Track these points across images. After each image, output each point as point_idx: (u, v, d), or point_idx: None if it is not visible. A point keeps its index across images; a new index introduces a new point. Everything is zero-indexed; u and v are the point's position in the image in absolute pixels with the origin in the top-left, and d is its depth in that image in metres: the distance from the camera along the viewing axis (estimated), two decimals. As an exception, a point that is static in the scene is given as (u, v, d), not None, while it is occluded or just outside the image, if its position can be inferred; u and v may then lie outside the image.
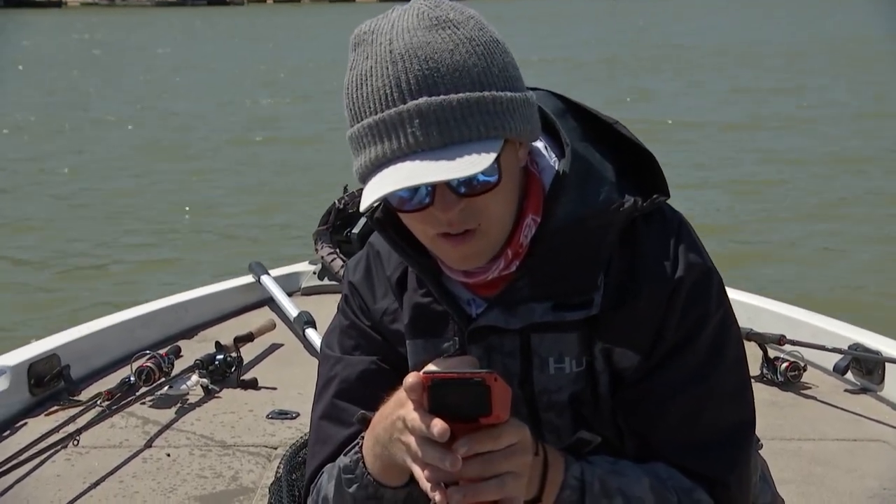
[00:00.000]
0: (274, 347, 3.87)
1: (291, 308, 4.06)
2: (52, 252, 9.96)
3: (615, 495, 1.52)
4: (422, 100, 1.39)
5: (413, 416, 1.33)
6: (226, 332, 3.84)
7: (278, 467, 2.76)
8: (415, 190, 1.43)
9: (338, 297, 4.63)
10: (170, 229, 10.93)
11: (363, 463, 1.54)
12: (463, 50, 1.41)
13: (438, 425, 1.28)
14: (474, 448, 1.32)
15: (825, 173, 12.93)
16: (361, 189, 4.52)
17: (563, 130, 1.58)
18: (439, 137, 1.39)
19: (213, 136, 17.38)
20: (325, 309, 4.06)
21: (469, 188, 1.44)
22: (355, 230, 4.60)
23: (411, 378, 1.31)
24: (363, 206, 1.43)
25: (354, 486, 1.56)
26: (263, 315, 4.11)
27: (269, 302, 4.30)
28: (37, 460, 2.87)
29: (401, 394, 1.38)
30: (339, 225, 4.67)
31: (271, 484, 2.68)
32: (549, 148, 1.60)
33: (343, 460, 1.59)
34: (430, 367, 1.43)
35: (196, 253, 9.56)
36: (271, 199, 12.25)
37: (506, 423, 1.35)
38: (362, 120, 1.43)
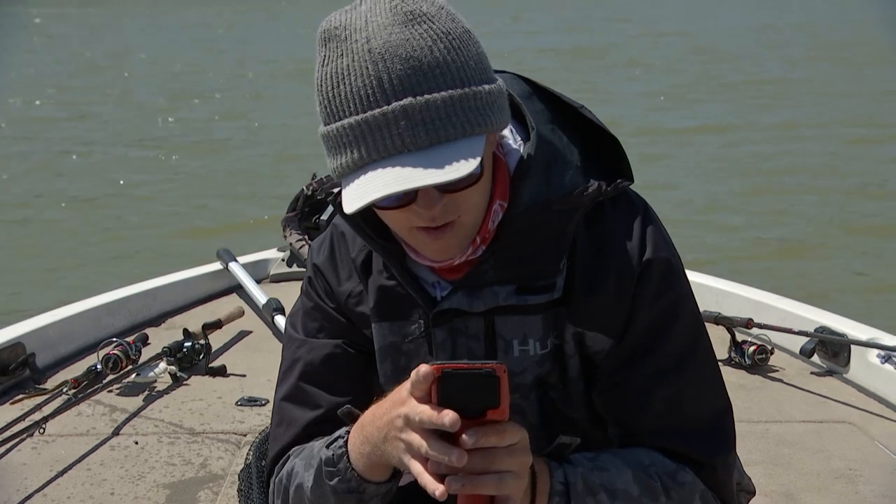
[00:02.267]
0: (243, 334, 3.86)
1: (260, 295, 4.04)
2: (15, 239, 9.89)
3: (598, 491, 1.52)
4: (406, 100, 1.37)
5: (419, 410, 1.32)
6: (194, 320, 3.83)
7: (248, 454, 2.74)
8: (404, 194, 1.43)
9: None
10: (135, 217, 10.87)
11: (347, 458, 1.51)
12: (441, 46, 1.40)
13: (449, 415, 1.27)
14: (480, 442, 1.31)
15: (792, 151, 13.04)
16: (328, 176, 4.51)
17: (530, 114, 1.58)
18: (426, 138, 1.38)
19: (178, 124, 17.27)
20: (294, 295, 3.95)
21: (453, 185, 1.43)
22: (324, 216, 4.60)
23: (423, 368, 1.30)
24: (349, 209, 1.40)
25: (336, 479, 1.54)
26: (232, 302, 4.09)
27: (238, 289, 4.28)
28: (1, 449, 2.86)
29: (400, 393, 1.37)
30: (307, 212, 4.66)
31: (241, 471, 2.66)
32: (514, 131, 1.59)
33: (325, 453, 1.56)
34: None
35: (163, 240, 9.50)
36: (238, 187, 12.15)
37: (509, 422, 1.35)
38: (341, 119, 1.41)
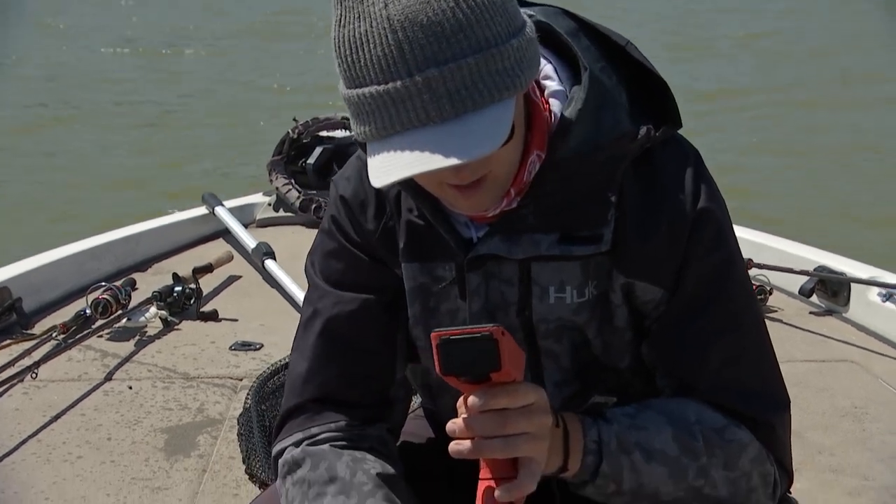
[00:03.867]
0: (232, 279, 3.81)
1: (249, 240, 3.99)
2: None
3: (633, 451, 1.49)
4: (429, 71, 1.31)
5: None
6: (181, 265, 3.78)
7: (246, 398, 2.72)
8: None
9: (294, 228, 4.64)
10: (118, 160, 10.78)
11: None
12: (464, 5, 1.32)
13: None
14: (489, 404, 1.30)
15: (787, 101, 13.07)
16: (314, 119, 4.47)
17: (580, 53, 1.51)
18: (451, 109, 1.33)
19: (162, 67, 17.15)
20: (282, 240, 4.03)
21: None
22: (311, 160, 4.54)
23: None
24: (376, 184, 1.36)
25: None
26: (219, 247, 4.04)
27: (225, 234, 4.23)
28: None
29: None
30: (293, 155, 4.61)
31: (240, 415, 2.64)
32: (557, 70, 1.53)
33: None
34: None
35: (146, 185, 9.42)
36: (221, 130, 12.08)
37: (521, 383, 1.34)
38: (362, 87, 1.34)
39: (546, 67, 1.51)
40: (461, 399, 1.37)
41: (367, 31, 1.32)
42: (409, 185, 1.54)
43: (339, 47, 1.36)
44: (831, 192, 9.11)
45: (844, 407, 2.79)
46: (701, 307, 1.55)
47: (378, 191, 1.65)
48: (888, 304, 3.34)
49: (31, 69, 17.85)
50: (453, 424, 1.36)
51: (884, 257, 3.90)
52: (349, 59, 1.36)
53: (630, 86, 1.55)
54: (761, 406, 1.56)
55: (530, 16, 1.44)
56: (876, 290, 3.39)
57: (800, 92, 13.75)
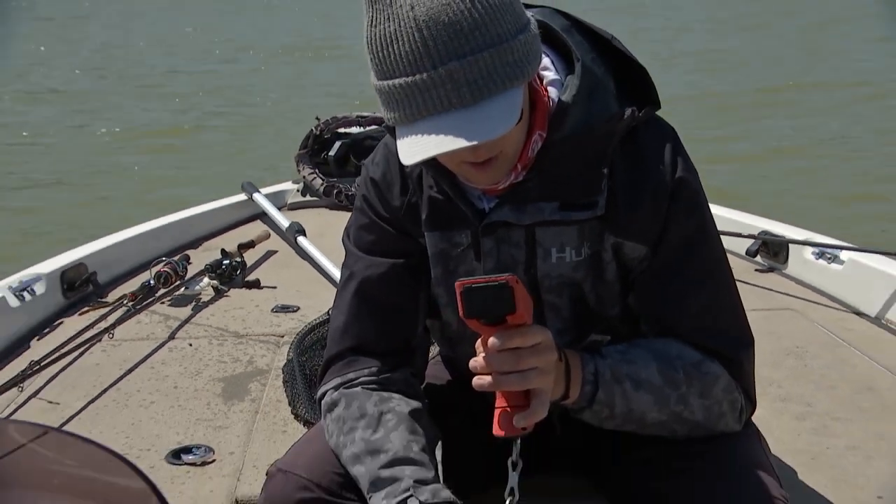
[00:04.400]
0: (270, 254, 3.78)
1: (283, 220, 3.97)
2: (67, 174, 9.81)
3: (624, 381, 1.49)
4: (451, 64, 1.30)
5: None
6: (227, 242, 3.74)
7: (288, 352, 2.72)
8: None
9: (320, 210, 4.62)
10: (163, 156, 10.78)
11: None
12: (479, 6, 1.30)
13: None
14: (506, 344, 1.32)
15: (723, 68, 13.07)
16: (333, 118, 4.47)
17: (574, 47, 1.50)
18: (471, 97, 1.31)
19: (202, 81, 17.06)
20: (310, 220, 4.02)
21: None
22: (331, 153, 4.54)
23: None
24: (406, 162, 1.36)
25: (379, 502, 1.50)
26: (258, 227, 4.02)
27: (262, 216, 4.21)
28: (77, 352, 2.79)
29: None
30: (316, 149, 4.60)
31: (284, 365, 2.64)
32: (554, 62, 1.51)
33: (382, 501, 1.49)
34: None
35: (189, 174, 9.41)
36: (254, 128, 12.03)
37: (532, 325, 1.35)
38: (392, 79, 1.33)
39: (544, 59, 1.49)
40: (480, 341, 1.37)
41: (395, 30, 1.30)
42: (431, 164, 1.53)
43: (371, 44, 1.34)
44: (772, 168, 9.13)
45: (788, 347, 2.78)
46: (680, 262, 1.56)
47: (402, 172, 1.64)
48: (820, 260, 3.34)
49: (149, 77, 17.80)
50: (475, 362, 1.37)
51: (816, 222, 3.88)
52: (381, 55, 1.33)
53: (616, 74, 1.55)
54: (731, 345, 1.57)
55: (531, 15, 1.42)
56: (810, 249, 3.39)
57: (749, 77, 13.73)
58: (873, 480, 2.04)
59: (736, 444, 1.56)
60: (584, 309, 1.60)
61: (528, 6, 1.47)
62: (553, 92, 1.49)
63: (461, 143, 1.30)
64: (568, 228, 1.55)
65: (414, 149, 1.34)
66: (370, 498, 1.50)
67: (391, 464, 1.50)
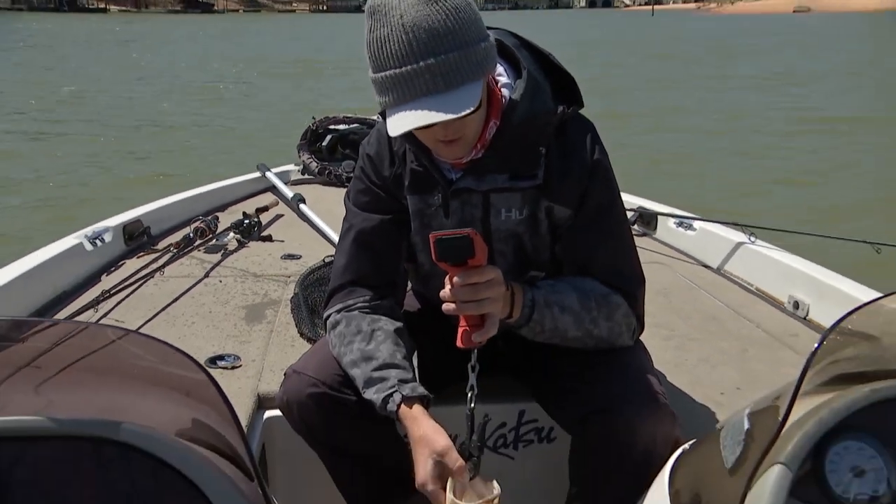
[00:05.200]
0: (278, 216, 3.73)
1: (288, 192, 3.92)
2: (124, 157, 9.70)
3: (553, 306, 1.51)
4: (430, 60, 1.30)
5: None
6: (246, 207, 3.69)
7: (294, 288, 2.70)
8: None
9: (315, 185, 4.57)
10: (200, 143, 10.67)
11: (396, 414, 1.46)
12: (452, 18, 1.31)
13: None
14: (466, 280, 1.35)
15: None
16: (325, 117, 4.40)
17: (522, 59, 1.51)
18: (444, 85, 1.32)
19: (231, 89, 16.78)
20: (309, 192, 3.99)
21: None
22: (324, 143, 4.50)
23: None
24: (393, 133, 1.36)
25: (372, 396, 1.50)
26: (269, 196, 3.95)
27: (272, 189, 4.14)
28: (135, 286, 2.75)
29: (435, 446, 1.39)
30: (312, 140, 4.53)
31: (291, 298, 2.62)
32: (506, 70, 1.52)
33: (375, 396, 1.49)
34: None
35: (219, 156, 9.39)
36: (267, 124, 11.95)
37: (486, 266, 1.36)
38: (385, 71, 1.33)
39: (499, 67, 1.50)
40: (447, 278, 1.38)
41: (388, 33, 1.31)
42: (412, 142, 1.54)
43: (370, 45, 1.34)
44: (645, 153, 9.20)
45: (658, 289, 2.81)
46: (594, 222, 1.58)
47: (391, 150, 1.64)
48: (679, 228, 3.38)
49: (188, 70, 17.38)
50: (444, 294, 1.38)
51: (678, 199, 3.93)
52: (376, 53, 1.34)
53: (552, 81, 1.55)
54: (630, 283, 1.60)
55: (489, 33, 1.43)
56: (672, 220, 3.43)
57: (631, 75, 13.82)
58: (717, 382, 2.09)
59: (629, 355, 1.59)
60: (523, 255, 1.61)
61: (489, 28, 1.48)
62: (505, 91, 1.50)
63: (434, 117, 1.31)
64: (514, 195, 1.55)
65: (400, 123, 1.34)
66: (364, 393, 1.50)
67: (380, 368, 1.50)
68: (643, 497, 1.39)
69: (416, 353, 1.63)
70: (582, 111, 1.58)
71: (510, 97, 1.48)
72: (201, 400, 0.99)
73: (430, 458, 1.37)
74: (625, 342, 1.60)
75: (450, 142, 1.43)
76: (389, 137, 1.61)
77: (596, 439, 1.48)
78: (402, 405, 1.44)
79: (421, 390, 1.47)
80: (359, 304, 1.61)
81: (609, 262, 1.57)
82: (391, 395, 1.46)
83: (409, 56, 1.30)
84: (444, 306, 1.38)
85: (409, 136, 1.50)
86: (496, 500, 1.32)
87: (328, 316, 1.65)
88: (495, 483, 1.36)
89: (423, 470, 1.38)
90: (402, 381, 1.47)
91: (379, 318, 1.59)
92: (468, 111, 1.32)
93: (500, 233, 1.58)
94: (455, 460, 1.34)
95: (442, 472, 1.37)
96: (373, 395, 1.48)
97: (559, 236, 1.59)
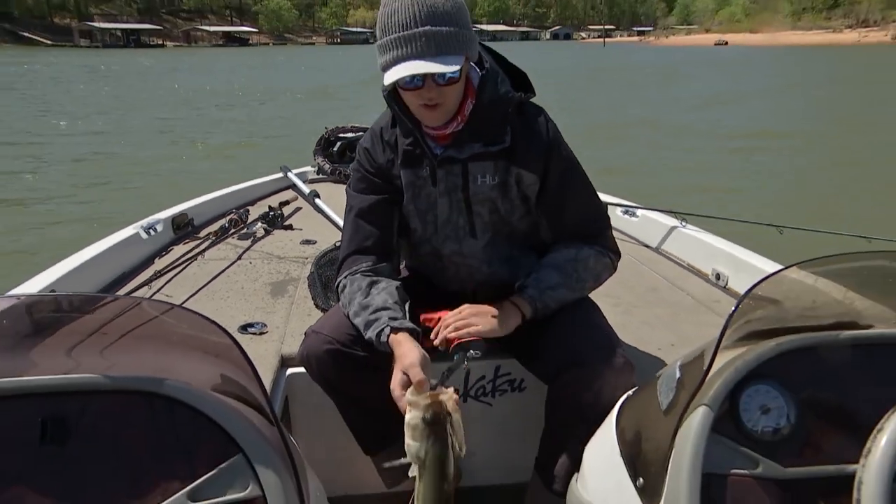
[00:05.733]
0: (297, 209, 3.69)
1: (305, 189, 3.89)
2: (174, 161, 9.60)
3: (545, 290, 1.54)
4: (426, 27, 1.34)
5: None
6: (271, 201, 3.66)
7: (311, 267, 2.66)
8: (417, 78, 1.40)
9: (328, 184, 4.53)
10: (226, 148, 10.53)
11: (386, 342, 1.45)
12: (450, 4, 1.37)
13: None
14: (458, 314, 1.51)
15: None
16: (336, 127, 4.33)
17: (486, 56, 1.55)
18: (435, 50, 1.35)
19: (247, 114, 16.63)
20: (322, 189, 3.95)
21: (444, 81, 1.41)
22: (335, 149, 4.46)
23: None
24: (387, 81, 1.38)
25: (369, 336, 1.49)
26: (290, 193, 3.92)
27: (293, 186, 4.10)
28: (182, 266, 2.73)
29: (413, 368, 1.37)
30: (325, 146, 4.50)
31: (308, 276, 2.59)
32: (474, 67, 1.55)
33: (370, 333, 1.48)
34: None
35: (249, 161, 9.30)
36: (287, 136, 11.79)
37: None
38: (390, 34, 1.36)
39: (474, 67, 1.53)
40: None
41: (398, 7, 1.35)
42: (407, 118, 1.53)
43: (381, 17, 1.38)
44: (596, 155, 9.20)
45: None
46: (561, 186, 1.57)
47: (383, 141, 1.64)
48: (625, 216, 3.37)
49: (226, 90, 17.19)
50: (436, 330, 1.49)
51: (624, 192, 3.92)
52: (385, 21, 1.37)
53: (511, 77, 1.57)
54: (600, 227, 1.62)
55: None
56: (620, 209, 3.41)
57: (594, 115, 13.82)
58: (655, 341, 2.07)
59: (592, 318, 1.58)
60: (497, 216, 1.61)
61: None
62: (476, 80, 1.54)
63: (425, 67, 1.35)
64: (487, 162, 1.55)
65: (396, 73, 1.38)
66: (365, 335, 1.50)
67: (375, 311, 1.50)
68: (595, 436, 1.39)
69: (408, 304, 1.64)
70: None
71: (477, 84, 1.53)
72: (231, 361, 1.00)
73: (400, 371, 1.37)
74: (609, 273, 1.63)
75: (432, 106, 1.45)
76: (381, 132, 1.62)
77: (568, 388, 1.48)
78: (391, 336, 1.45)
79: (408, 324, 1.47)
80: (361, 269, 1.61)
81: (581, 211, 1.58)
82: (382, 330, 1.46)
83: (411, 22, 1.34)
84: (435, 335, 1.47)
85: (403, 113, 1.52)
86: (450, 398, 1.21)
87: (338, 283, 1.65)
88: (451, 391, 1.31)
89: (394, 380, 1.37)
90: (392, 319, 1.48)
91: (378, 279, 1.59)
92: (452, 69, 1.36)
93: (477, 196, 1.58)
94: (417, 374, 1.32)
95: (408, 383, 1.35)
96: (370, 334, 1.48)
97: (537, 201, 1.59)
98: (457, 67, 1.37)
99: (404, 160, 1.59)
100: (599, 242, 1.58)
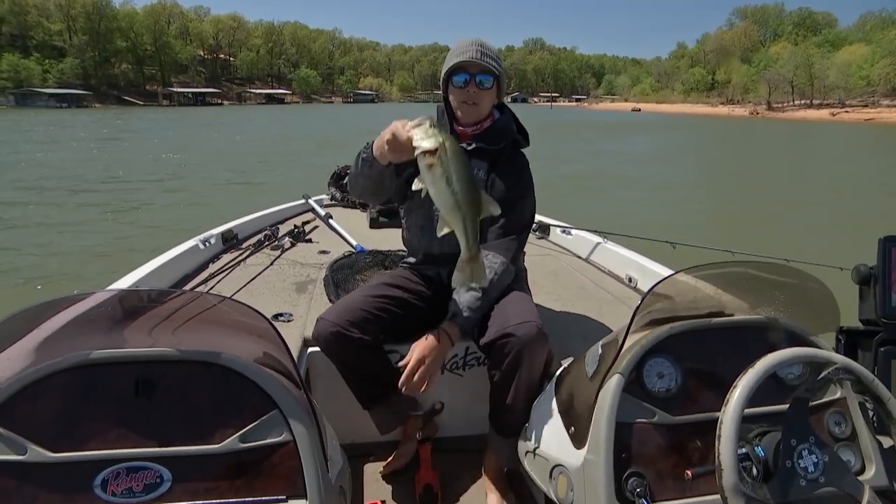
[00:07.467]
0: (315, 227, 3.66)
1: (322, 212, 3.85)
2: (222, 191, 9.43)
3: (469, 310, 1.54)
4: (481, 50, 1.58)
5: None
6: (296, 221, 3.63)
7: (326, 271, 2.63)
8: (466, 78, 1.59)
9: (339, 208, 4.50)
10: (263, 180, 10.45)
11: (371, 148, 1.46)
12: (493, 51, 1.60)
13: None
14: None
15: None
16: (346, 165, 4.30)
17: (507, 108, 1.72)
18: (481, 59, 1.57)
19: (280, 155, 16.43)
20: (335, 213, 3.92)
21: (483, 87, 1.60)
22: (344, 181, 4.41)
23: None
24: (447, 66, 1.59)
25: (362, 156, 1.50)
26: (310, 215, 3.90)
27: (312, 209, 4.07)
28: (228, 270, 2.71)
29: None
30: (337, 178, 4.45)
31: (324, 277, 2.56)
32: (497, 108, 1.73)
33: (359, 156, 1.53)
34: None
35: (275, 190, 9.22)
36: (307, 171, 11.76)
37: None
38: (457, 55, 1.58)
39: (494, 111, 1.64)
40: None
41: (463, 42, 1.59)
42: (446, 113, 1.69)
43: (454, 48, 1.61)
44: (542, 179, 9.27)
45: (549, 272, 2.81)
46: (514, 200, 1.64)
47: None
48: (563, 234, 3.39)
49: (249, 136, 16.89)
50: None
51: (563, 215, 3.95)
52: (454, 50, 1.60)
53: (517, 127, 1.72)
54: (524, 226, 1.70)
55: None
56: (559, 228, 3.44)
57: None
58: (584, 327, 2.07)
59: (521, 301, 1.59)
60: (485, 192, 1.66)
61: None
62: (496, 114, 1.71)
63: (478, 64, 1.56)
64: (482, 162, 1.65)
65: (452, 68, 1.57)
66: (358, 165, 1.55)
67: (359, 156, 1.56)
68: (539, 397, 1.43)
69: (403, 305, 1.68)
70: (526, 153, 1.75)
71: (499, 115, 1.70)
72: (268, 340, 1.03)
73: (390, 130, 1.35)
74: (517, 262, 1.69)
75: (472, 104, 1.60)
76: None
77: (501, 355, 1.49)
78: (371, 148, 1.47)
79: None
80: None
81: (519, 214, 1.67)
82: (363, 148, 1.51)
83: (471, 48, 1.55)
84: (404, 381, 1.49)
85: (448, 109, 1.67)
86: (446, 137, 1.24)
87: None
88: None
89: (394, 126, 1.34)
90: (370, 143, 1.48)
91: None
92: (493, 70, 1.56)
93: (476, 180, 1.63)
94: (407, 122, 1.37)
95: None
96: (359, 158, 1.52)
97: (500, 200, 1.63)
98: (494, 79, 1.58)
99: None
100: (513, 248, 1.65)
